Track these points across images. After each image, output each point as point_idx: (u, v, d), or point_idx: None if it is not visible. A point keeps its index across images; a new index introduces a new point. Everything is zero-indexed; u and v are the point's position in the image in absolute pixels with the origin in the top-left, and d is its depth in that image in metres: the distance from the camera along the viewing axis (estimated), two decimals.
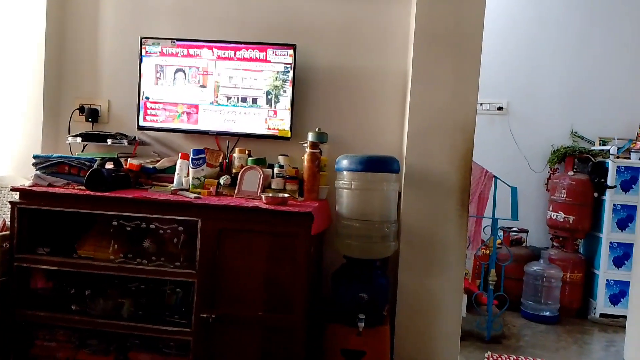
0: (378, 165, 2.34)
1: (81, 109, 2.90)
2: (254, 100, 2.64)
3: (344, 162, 2.35)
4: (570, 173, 4.38)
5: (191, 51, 2.66)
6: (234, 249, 2.17)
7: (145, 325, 2.25)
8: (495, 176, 3.66)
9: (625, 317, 2.77)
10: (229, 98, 2.66)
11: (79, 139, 2.72)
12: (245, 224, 2.17)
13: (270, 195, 2.26)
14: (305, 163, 2.45)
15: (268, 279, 2.15)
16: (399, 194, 2.53)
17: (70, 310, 2.33)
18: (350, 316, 2.24)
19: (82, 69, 2.93)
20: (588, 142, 4.66)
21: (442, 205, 2.48)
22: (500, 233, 4.27)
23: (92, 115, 2.87)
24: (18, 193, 2.31)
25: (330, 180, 2.58)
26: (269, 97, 2.63)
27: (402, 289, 2.50)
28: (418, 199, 2.50)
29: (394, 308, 2.51)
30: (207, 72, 2.66)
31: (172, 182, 2.50)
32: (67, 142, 2.77)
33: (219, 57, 2.65)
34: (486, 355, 3.30)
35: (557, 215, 4.37)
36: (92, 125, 2.88)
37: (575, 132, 4.71)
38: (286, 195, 2.30)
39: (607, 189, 4.13)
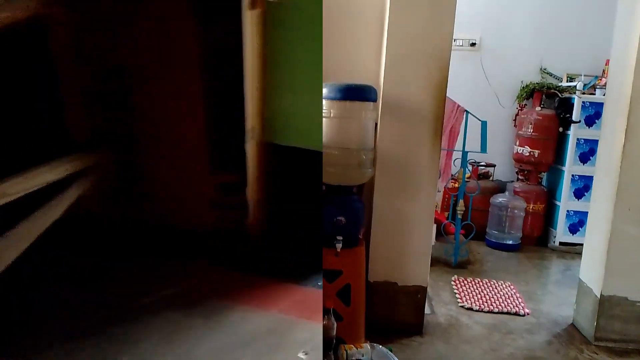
0: (357, 93, 2.36)
1: None
2: None
3: (323, 91, 2.37)
4: (538, 108, 4.51)
5: None
6: None
7: None
8: (466, 110, 3.75)
9: (582, 244, 2.98)
10: None
11: None
12: None
13: None
14: None
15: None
16: (375, 123, 2.58)
17: None
18: (328, 239, 2.34)
19: None
20: (556, 78, 4.78)
21: (416, 133, 2.55)
22: (469, 167, 4.42)
23: None
24: None
25: None
26: None
27: (377, 213, 2.60)
28: (393, 127, 2.56)
29: (369, 231, 2.62)
30: None
31: None
32: None
33: None
34: (453, 278, 3.51)
35: (523, 150, 4.53)
36: None
37: (544, 69, 4.82)
38: None
39: (572, 124, 4.29)
